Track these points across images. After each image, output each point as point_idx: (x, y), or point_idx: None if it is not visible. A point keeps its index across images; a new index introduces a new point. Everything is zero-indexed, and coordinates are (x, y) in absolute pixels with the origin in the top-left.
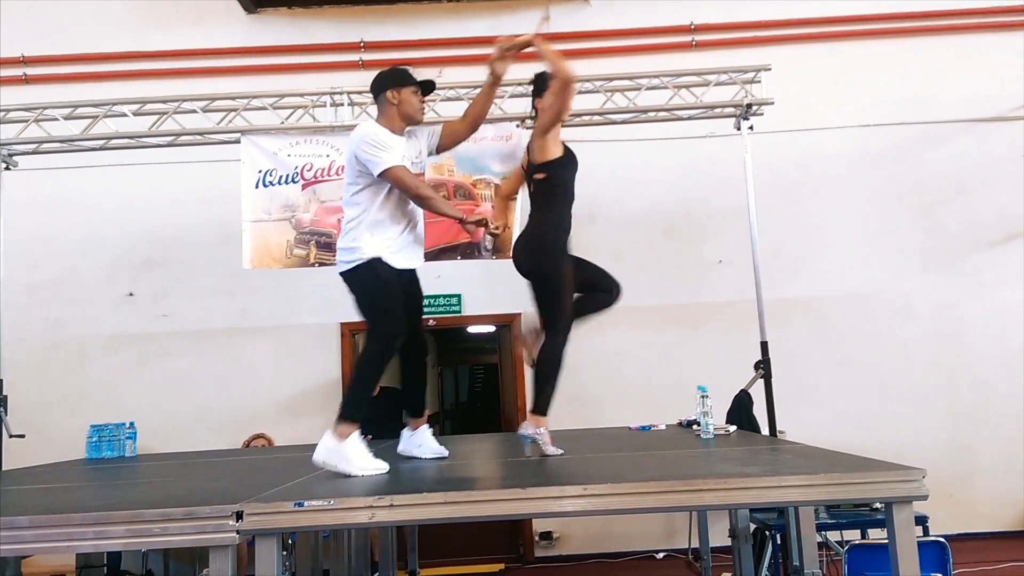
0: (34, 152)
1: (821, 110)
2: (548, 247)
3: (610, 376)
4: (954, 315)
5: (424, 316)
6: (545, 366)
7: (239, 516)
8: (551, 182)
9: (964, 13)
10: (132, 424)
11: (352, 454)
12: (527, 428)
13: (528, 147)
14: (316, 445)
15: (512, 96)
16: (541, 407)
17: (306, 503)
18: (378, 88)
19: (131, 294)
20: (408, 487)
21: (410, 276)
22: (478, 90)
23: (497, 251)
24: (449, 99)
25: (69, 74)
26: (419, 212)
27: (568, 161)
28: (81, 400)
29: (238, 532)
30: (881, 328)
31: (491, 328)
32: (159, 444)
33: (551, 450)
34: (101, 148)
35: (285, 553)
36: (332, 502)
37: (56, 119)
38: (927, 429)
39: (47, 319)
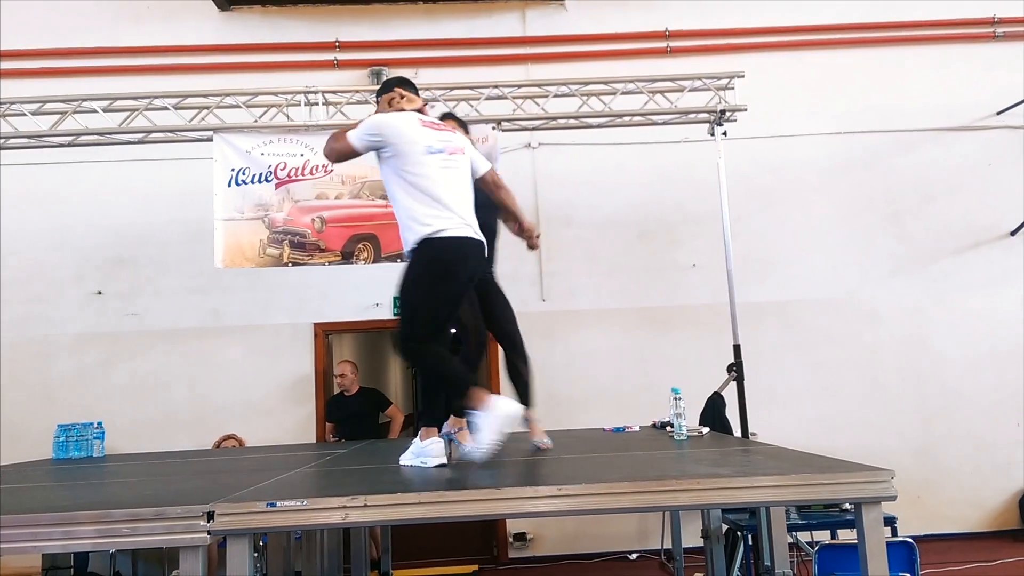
0: (2, 147)
1: (793, 117)
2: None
3: (584, 378)
4: (921, 320)
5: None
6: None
7: (210, 516)
8: None
9: (933, 24)
10: (100, 424)
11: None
12: (447, 427)
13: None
14: (288, 445)
15: (489, 98)
16: (455, 411)
17: (278, 503)
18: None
19: (100, 292)
20: (382, 487)
21: None
22: (454, 91)
23: None
24: (424, 100)
25: (38, 69)
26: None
27: None
28: (48, 400)
29: (209, 533)
30: (850, 332)
31: None
32: (128, 444)
33: (469, 447)
34: (70, 144)
35: (257, 555)
36: (305, 502)
37: (24, 114)
38: (895, 431)
39: (13, 317)
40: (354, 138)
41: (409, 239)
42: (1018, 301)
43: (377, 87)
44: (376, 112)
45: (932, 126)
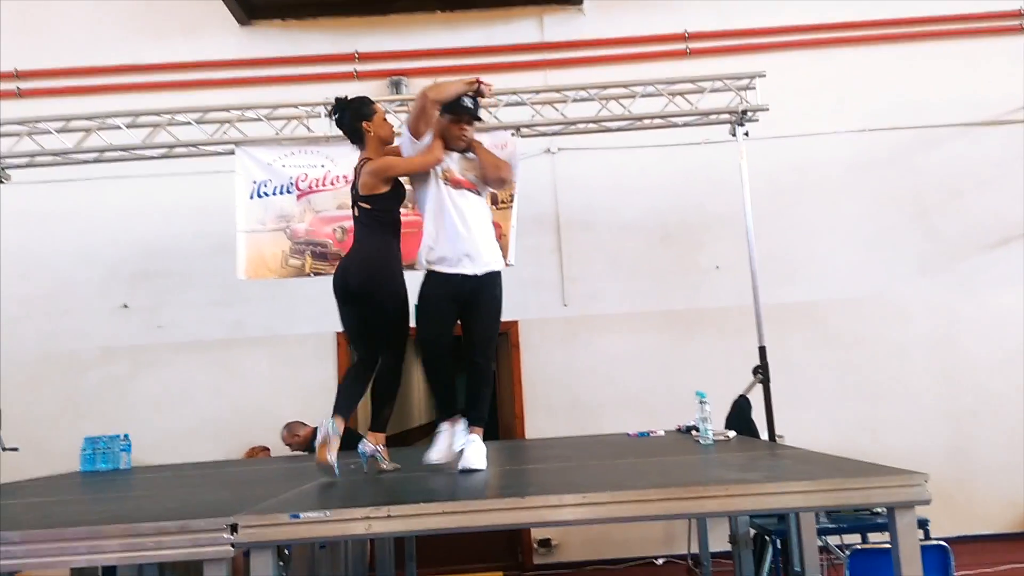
0: (28, 165)
1: (816, 116)
2: (391, 268)
3: (608, 382)
4: (951, 318)
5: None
6: (382, 385)
7: (234, 529)
8: (377, 211)
9: (958, 18)
10: (127, 436)
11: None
12: (366, 446)
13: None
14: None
15: (508, 105)
16: (379, 425)
17: (302, 515)
18: None
19: (125, 306)
20: (405, 497)
21: None
22: None
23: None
24: None
25: (62, 88)
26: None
27: (395, 194)
28: (75, 413)
29: (233, 545)
30: (878, 332)
31: None
32: (154, 456)
33: (388, 466)
34: (95, 161)
35: (281, 564)
36: (328, 513)
37: (50, 132)
38: (925, 432)
39: (41, 332)
40: None
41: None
42: None
43: (399, 97)
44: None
45: (958, 121)
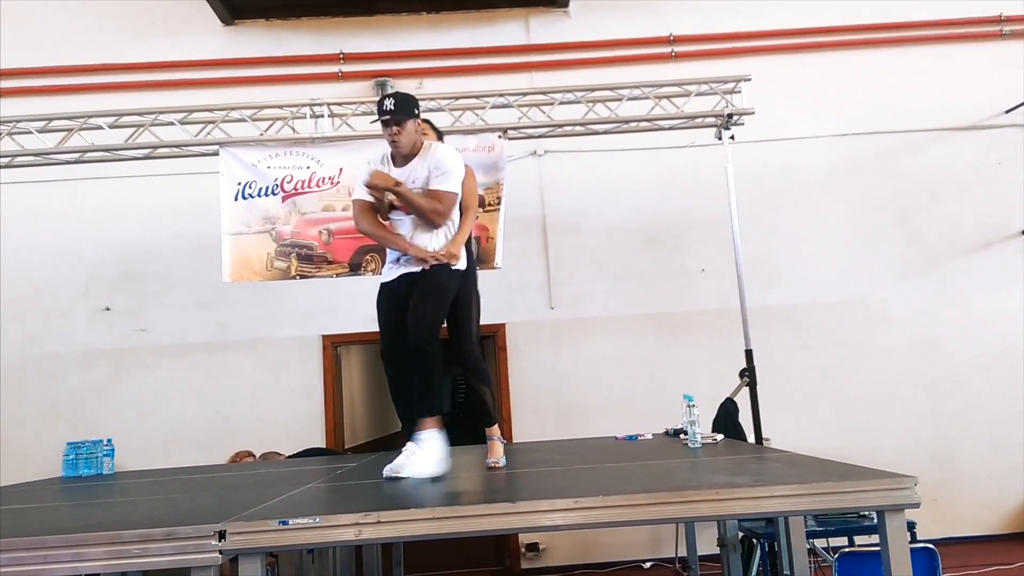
0: (8, 166)
1: (800, 120)
2: None
3: (595, 385)
4: (933, 321)
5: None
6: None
7: (222, 536)
8: None
9: (939, 24)
10: (110, 441)
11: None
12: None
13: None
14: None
15: (494, 107)
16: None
17: (291, 521)
18: None
19: (107, 309)
20: (394, 503)
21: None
22: (459, 100)
23: (481, 261)
24: (430, 110)
25: (43, 87)
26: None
27: None
28: (57, 417)
29: (221, 552)
30: (862, 335)
31: None
32: (137, 461)
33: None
34: (76, 162)
35: (269, 570)
36: (317, 519)
37: (30, 132)
38: (909, 434)
39: (21, 335)
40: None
41: (461, 262)
42: None
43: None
44: (409, 131)
45: (939, 126)
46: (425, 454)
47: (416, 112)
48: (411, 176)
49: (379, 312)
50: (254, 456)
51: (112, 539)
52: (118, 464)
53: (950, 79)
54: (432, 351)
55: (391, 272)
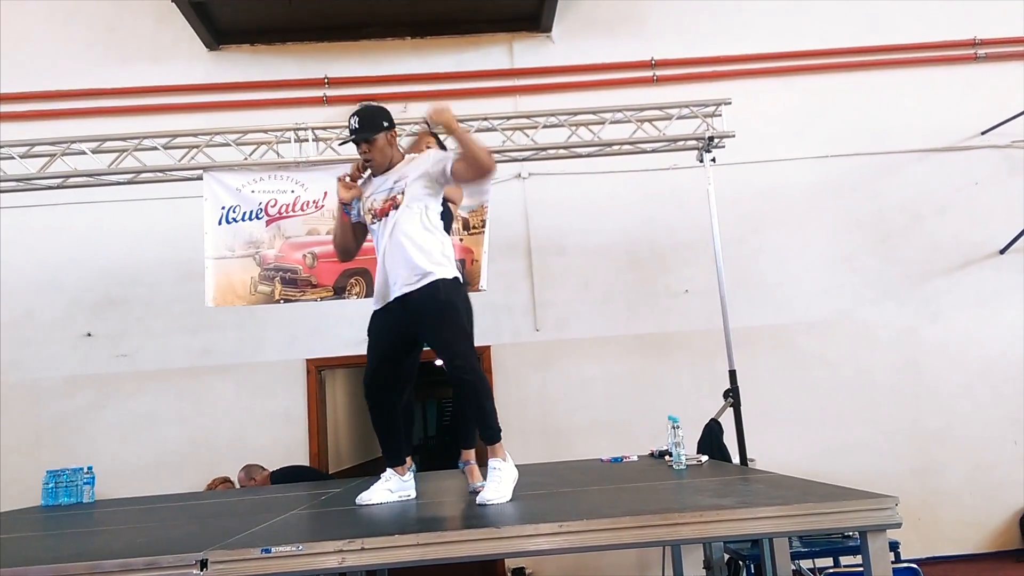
0: None
1: (780, 142)
2: None
3: (580, 407)
4: (915, 340)
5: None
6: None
7: (203, 565)
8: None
9: (916, 47)
10: (90, 469)
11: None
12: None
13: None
14: (282, 485)
15: (478, 131)
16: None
17: (273, 549)
18: None
19: (89, 334)
20: (378, 529)
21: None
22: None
23: (466, 283)
24: (414, 135)
25: (26, 112)
26: (388, 254)
27: None
28: (36, 444)
29: None
30: (845, 354)
31: None
32: (119, 488)
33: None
34: (59, 187)
35: None
36: (300, 547)
37: (12, 157)
38: (893, 453)
39: (2, 361)
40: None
41: (446, 271)
42: (1010, 319)
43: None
44: (391, 141)
45: (918, 147)
46: (502, 479)
47: (386, 124)
48: (389, 181)
49: (370, 339)
50: (232, 483)
51: (91, 569)
52: (101, 491)
53: (927, 101)
54: (475, 379)
55: (382, 297)
